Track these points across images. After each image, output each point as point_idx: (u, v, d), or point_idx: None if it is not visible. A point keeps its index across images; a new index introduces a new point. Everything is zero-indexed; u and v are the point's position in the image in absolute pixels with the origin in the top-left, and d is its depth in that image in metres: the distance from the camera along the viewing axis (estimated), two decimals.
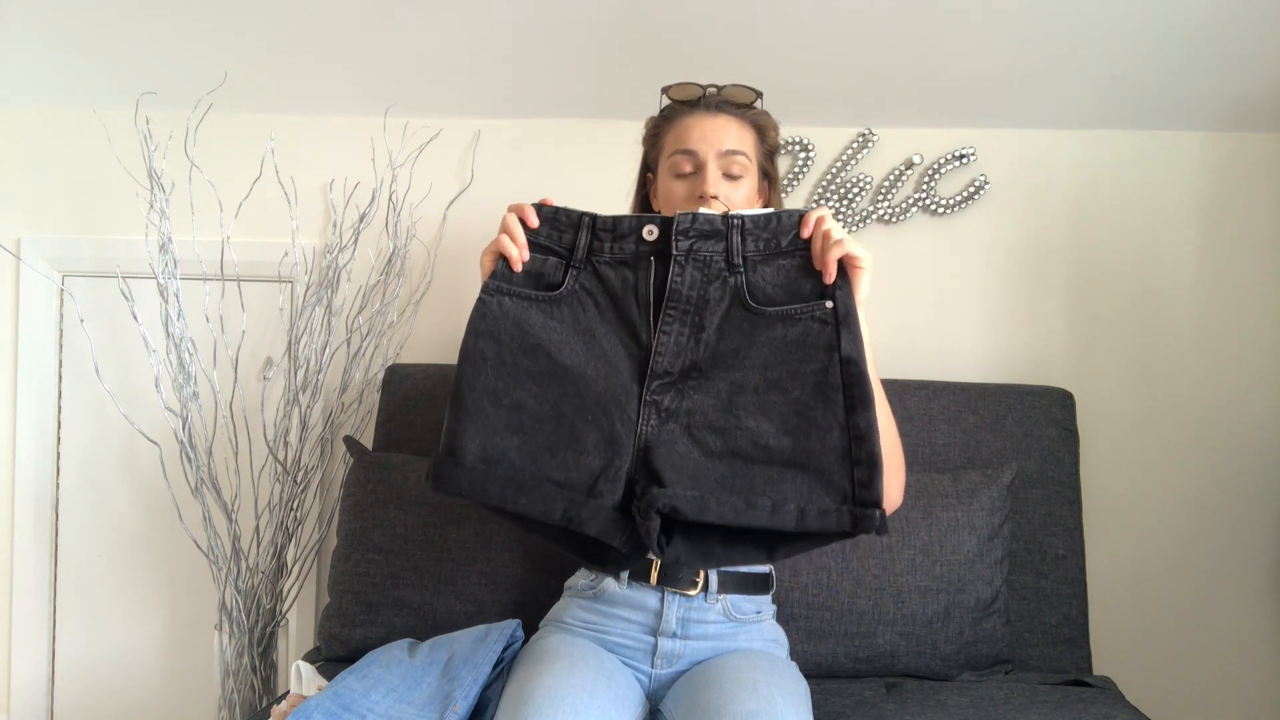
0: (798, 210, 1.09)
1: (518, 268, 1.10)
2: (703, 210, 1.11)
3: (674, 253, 1.08)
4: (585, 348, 1.08)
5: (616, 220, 1.11)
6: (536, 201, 1.13)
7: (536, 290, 1.10)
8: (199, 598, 1.90)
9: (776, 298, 1.07)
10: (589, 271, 1.11)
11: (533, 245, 1.11)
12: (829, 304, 1.05)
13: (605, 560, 1.09)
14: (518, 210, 1.12)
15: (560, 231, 1.11)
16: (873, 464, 0.98)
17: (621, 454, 1.03)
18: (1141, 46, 1.66)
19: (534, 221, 1.11)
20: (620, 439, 1.04)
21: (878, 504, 0.98)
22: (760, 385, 1.04)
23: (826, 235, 1.06)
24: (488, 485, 1.02)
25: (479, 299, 1.09)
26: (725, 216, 1.09)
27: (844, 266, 1.07)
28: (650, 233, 1.09)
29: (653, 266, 1.09)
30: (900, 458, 1.19)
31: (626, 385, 1.06)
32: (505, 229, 1.11)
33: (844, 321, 1.04)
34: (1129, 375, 1.85)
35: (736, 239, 1.08)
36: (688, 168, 1.29)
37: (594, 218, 1.11)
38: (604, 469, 1.02)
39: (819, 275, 1.07)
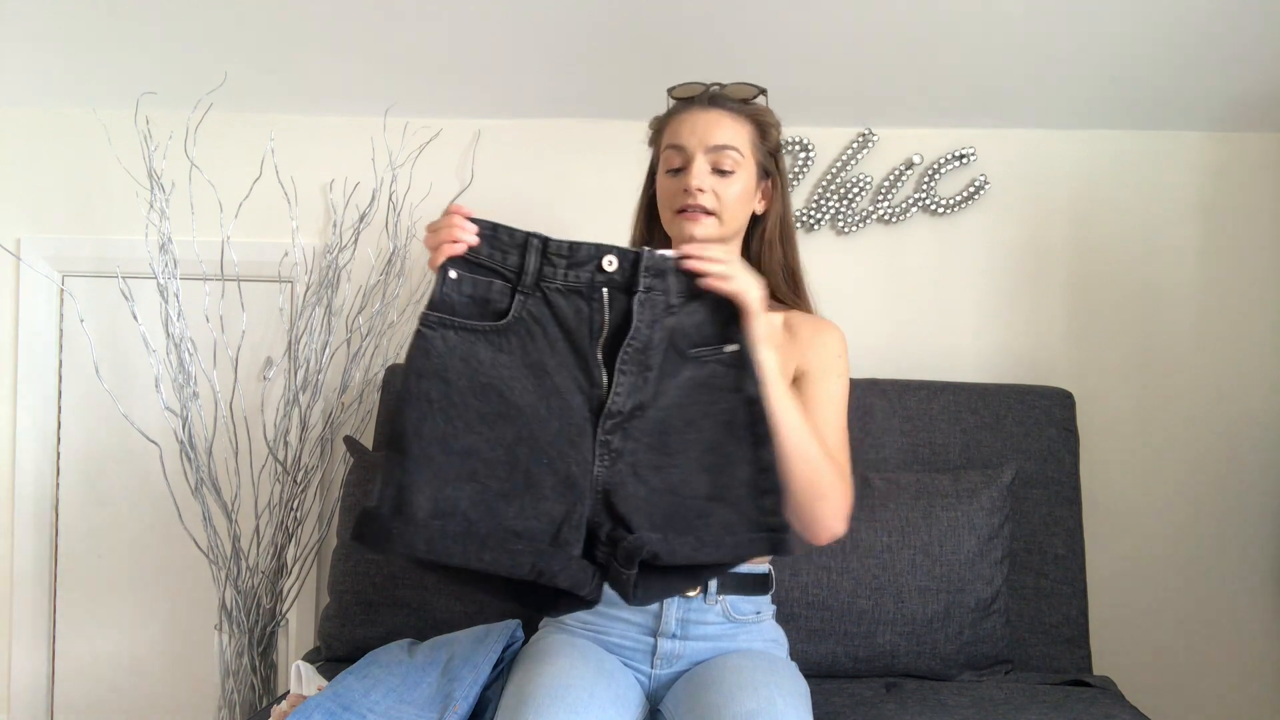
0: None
1: (475, 241, 1.02)
2: (659, 251, 1.07)
3: (639, 289, 1.03)
4: (536, 384, 1.02)
5: (574, 246, 1.04)
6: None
7: (482, 320, 1.03)
8: (199, 598, 1.90)
9: (694, 338, 1.07)
10: (538, 298, 1.04)
11: (474, 266, 1.03)
12: (731, 347, 1.06)
13: (554, 605, 1.05)
14: (454, 209, 1.04)
15: (504, 252, 1.03)
16: (777, 491, 1.03)
17: (582, 499, 1.00)
18: (1141, 46, 1.66)
19: (473, 239, 1.03)
20: (577, 481, 1.00)
21: (785, 528, 1.03)
22: (679, 425, 1.05)
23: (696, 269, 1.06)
24: (448, 544, 0.94)
25: (417, 333, 1.00)
26: (663, 256, 1.06)
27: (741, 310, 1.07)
28: (610, 263, 1.03)
29: (605, 298, 1.04)
30: (831, 481, 1.16)
31: (580, 424, 1.02)
32: (447, 225, 1.02)
33: (745, 365, 1.06)
34: (1129, 375, 1.85)
35: (673, 280, 1.06)
36: (677, 162, 1.27)
37: (544, 240, 1.04)
38: (566, 515, 0.98)
39: (723, 318, 1.07)
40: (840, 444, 1.25)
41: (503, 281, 1.04)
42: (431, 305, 1.01)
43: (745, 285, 1.08)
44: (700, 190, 1.24)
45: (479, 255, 1.03)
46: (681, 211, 1.26)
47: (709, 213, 1.26)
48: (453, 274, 1.03)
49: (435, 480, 0.96)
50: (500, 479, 0.98)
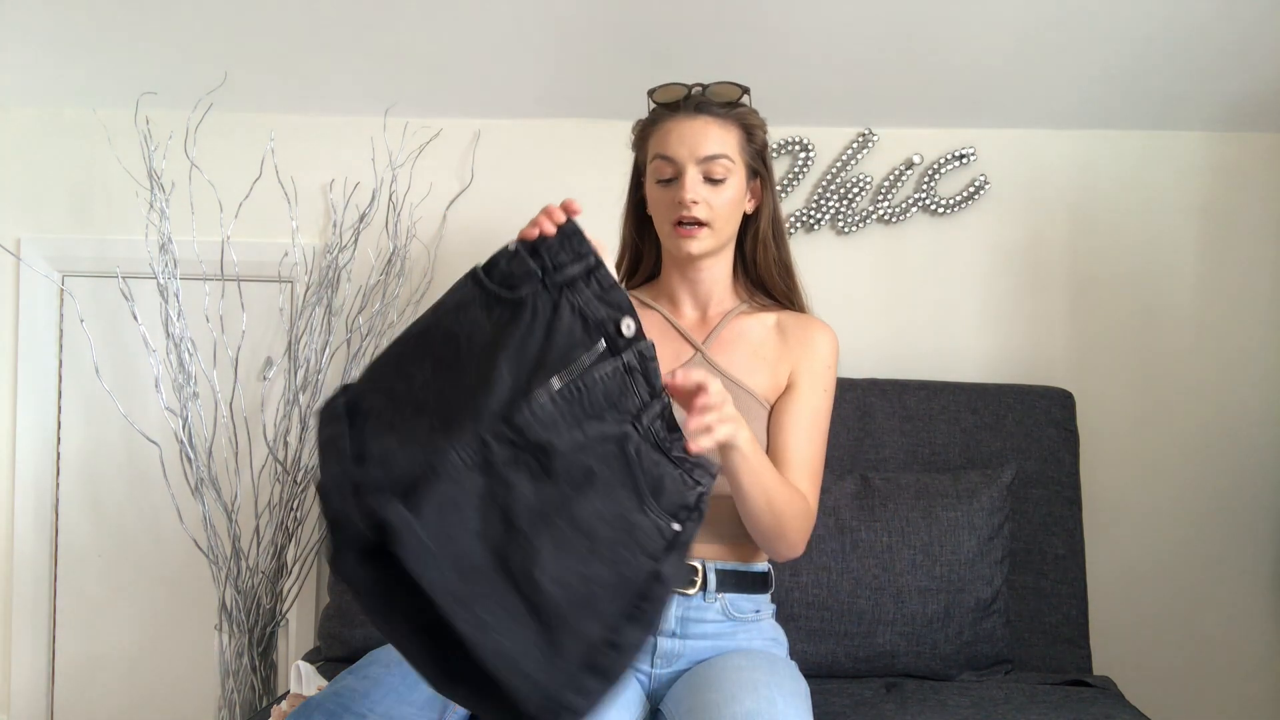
0: None
1: (551, 231, 1.01)
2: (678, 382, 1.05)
3: (625, 358, 0.99)
4: (485, 356, 0.97)
5: (616, 287, 1.02)
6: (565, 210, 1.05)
7: (499, 286, 1.01)
8: (199, 598, 1.90)
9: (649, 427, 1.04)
10: (548, 299, 1.01)
11: (534, 252, 1.02)
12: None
13: None
14: (568, 203, 1.04)
15: (564, 253, 1.02)
16: (619, 649, 0.89)
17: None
18: (1141, 46, 1.66)
19: (550, 229, 1.01)
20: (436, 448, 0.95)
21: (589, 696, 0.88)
22: (571, 494, 0.98)
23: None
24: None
25: (465, 282, 1.01)
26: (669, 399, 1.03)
27: None
28: (628, 327, 1.00)
29: (600, 348, 1.00)
30: (791, 518, 1.19)
31: (481, 409, 0.93)
32: (545, 212, 1.03)
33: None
34: (1129, 375, 1.85)
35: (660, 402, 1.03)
36: (668, 173, 1.27)
37: (599, 263, 1.03)
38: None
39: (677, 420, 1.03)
40: (813, 458, 1.27)
41: (540, 271, 1.02)
42: (484, 265, 1.02)
43: (733, 432, 1.06)
44: (695, 203, 1.25)
45: (543, 244, 1.02)
46: (678, 225, 1.27)
47: (703, 224, 1.27)
48: (511, 247, 1.03)
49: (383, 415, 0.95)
50: (406, 416, 0.95)
